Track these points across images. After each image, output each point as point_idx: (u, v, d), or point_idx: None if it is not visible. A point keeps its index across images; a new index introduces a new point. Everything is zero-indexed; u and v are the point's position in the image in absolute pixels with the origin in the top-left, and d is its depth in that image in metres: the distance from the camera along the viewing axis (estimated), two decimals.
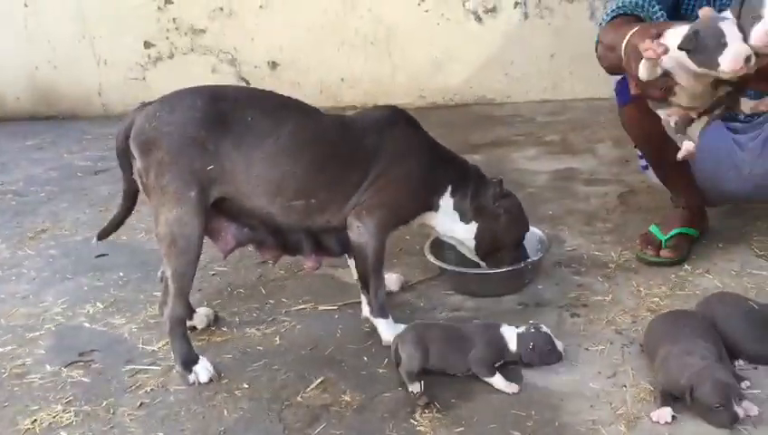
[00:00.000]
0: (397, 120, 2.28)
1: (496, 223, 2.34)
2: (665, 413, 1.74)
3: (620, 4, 2.23)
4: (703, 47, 1.53)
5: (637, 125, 2.48)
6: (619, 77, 2.33)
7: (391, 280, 2.49)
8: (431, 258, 2.51)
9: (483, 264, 2.41)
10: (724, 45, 1.52)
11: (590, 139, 3.98)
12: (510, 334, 2.00)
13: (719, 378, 1.70)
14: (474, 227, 2.33)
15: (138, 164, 2.07)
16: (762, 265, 2.45)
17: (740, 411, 1.67)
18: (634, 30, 1.85)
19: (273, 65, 5.32)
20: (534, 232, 2.57)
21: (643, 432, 1.73)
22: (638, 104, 2.29)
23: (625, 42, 1.86)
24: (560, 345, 2.02)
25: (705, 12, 1.66)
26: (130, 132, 2.06)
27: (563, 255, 2.68)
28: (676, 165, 2.53)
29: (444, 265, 2.48)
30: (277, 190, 2.10)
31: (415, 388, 1.91)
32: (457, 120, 4.68)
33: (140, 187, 2.11)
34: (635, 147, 2.70)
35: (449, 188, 2.30)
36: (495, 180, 2.35)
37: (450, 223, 2.33)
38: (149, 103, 2.11)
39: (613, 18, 2.17)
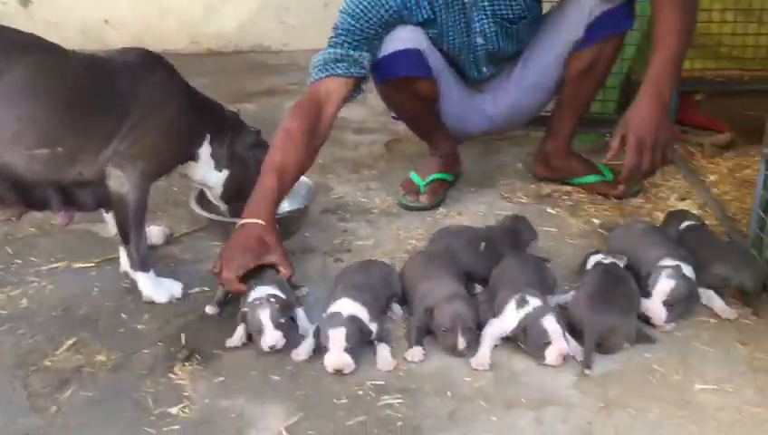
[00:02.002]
0: (153, 66, 2.16)
1: (246, 171, 2.32)
2: (417, 352, 1.85)
3: (329, 57, 2.35)
4: (531, 342, 1.81)
5: (393, 103, 2.71)
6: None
7: (153, 233, 2.40)
8: (197, 209, 2.45)
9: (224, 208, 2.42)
10: (549, 344, 1.78)
11: None
12: None
13: (455, 308, 1.84)
14: (225, 174, 2.31)
15: None
16: (505, 205, 2.69)
17: (461, 344, 1.82)
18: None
19: (25, 2, 4.82)
20: (303, 181, 2.60)
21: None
22: (394, 84, 2.47)
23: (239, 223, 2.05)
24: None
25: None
26: None
27: (331, 202, 2.75)
28: (428, 123, 2.73)
29: (210, 216, 2.43)
30: (14, 137, 1.91)
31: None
32: (231, 68, 4.58)
33: None
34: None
35: (208, 137, 2.25)
36: (254, 130, 2.33)
37: (205, 171, 2.29)
38: None
39: (320, 78, 2.33)
